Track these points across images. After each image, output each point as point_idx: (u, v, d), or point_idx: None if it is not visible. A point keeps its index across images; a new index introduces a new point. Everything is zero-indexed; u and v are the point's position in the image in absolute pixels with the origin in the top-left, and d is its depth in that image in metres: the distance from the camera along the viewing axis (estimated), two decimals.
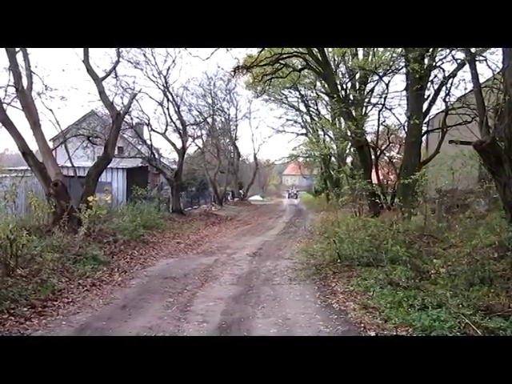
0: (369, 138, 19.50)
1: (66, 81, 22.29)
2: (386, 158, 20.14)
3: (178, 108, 21.47)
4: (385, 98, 17.60)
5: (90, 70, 11.65)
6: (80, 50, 11.74)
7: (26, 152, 11.04)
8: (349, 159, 29.65)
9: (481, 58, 10.27)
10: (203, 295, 7.04)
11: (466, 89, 13.58)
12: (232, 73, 17.92)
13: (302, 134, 34.50)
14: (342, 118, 19.83)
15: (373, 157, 16.83)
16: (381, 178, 20.61)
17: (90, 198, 10.77)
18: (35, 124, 10.95)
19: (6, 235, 6.73)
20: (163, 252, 11.34)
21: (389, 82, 18.16)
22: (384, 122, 17.52)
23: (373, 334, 5.10)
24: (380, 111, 16.86)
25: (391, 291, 6.37)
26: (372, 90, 22.25)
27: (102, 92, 11.95)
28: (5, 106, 11.03)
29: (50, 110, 13.46)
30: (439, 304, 5.50)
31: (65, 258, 8.34)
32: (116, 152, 21.73)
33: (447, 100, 13.84)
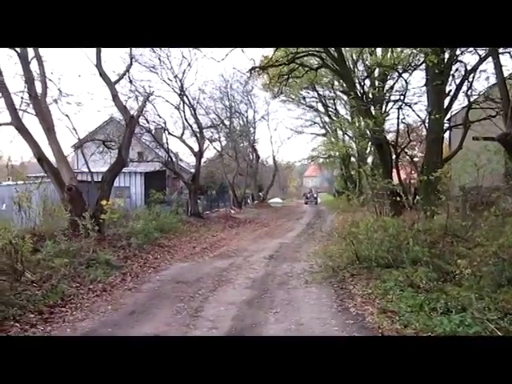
0: (390, 136, 19.08)
1: (82, 86, 22.53)
2: (407, 156, 19.61)
3: (195, 111, 21.41)
4: (404, 95, 17.11)
5: (102, 74, 11.63)
6: (93, 55, 11.75)
7: (41, 158, 11.07)
8: (370, 159, 29.15)
9: (503, 50, 9.81)
10: (215, 300, 6.82)
11: (488, 83, 13.12)
12: (248, 74, 17.80)
13: (320, 135, 34.17)
14: (360, 117, 19.42)
15: (393, 155, 16.39)
16: (403, 177, 20.11)
17: (104, 203, 10.72)
18: (49, 130, 10.96)
19: (9, 240, 6.64)
20: (178, 256, 11.17)
21: (408, 78, 17.64)
22: (404, 119, 17.02)
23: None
24: (399, 108, 16.37)
25: (412, 294, 6.01)
26: (392, 87, 21.79)
27: (115, 96, 11.91)
28: (21, 112, 11.13)
29: (67, 115, 13.52)
30: (463, 307, 5.13)
31: (77, 262, 8.25)
32: (136, 157, 21.99)
33: (469, 94, 13.29)
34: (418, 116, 16.86)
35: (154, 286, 7.68)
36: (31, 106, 11.20)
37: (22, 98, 11.28)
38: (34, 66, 11.22)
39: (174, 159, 21.07)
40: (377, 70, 21.02)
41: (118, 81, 12.42)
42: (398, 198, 14.44)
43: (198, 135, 21.43)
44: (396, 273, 7.21)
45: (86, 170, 15.67)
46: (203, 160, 29.01)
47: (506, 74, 9.40)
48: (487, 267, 6.44)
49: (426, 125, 14.90)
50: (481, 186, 12.18)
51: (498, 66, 8.68)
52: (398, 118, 16.53)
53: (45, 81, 11.60)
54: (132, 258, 9.78)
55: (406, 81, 17.03)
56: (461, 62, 14.03)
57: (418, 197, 11.81)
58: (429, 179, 12.17)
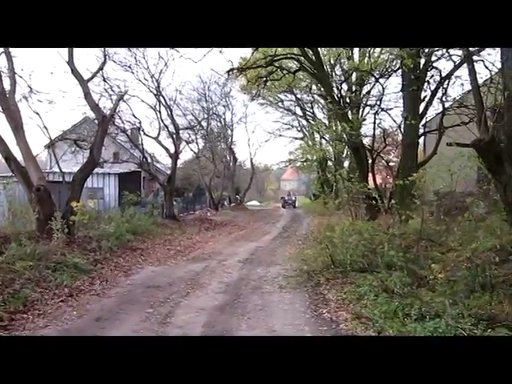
0: (366, 140, 19.16)
1: (54, 84, 21.90)
2: (383, 161, 19.78)
3: (171, 112, 21.10)
4: (380, 100, 17.30)
5: (74, 71, 11.25)
6: (64, 52, 11.35)
7: (8, 157, 10.62)
8: (346, 163, 29.32)
9: (478, 58, 9.94)
10: (187, 305, 6.61)
11: (463, 89, 13.31)
12: (226, 75, 17.64)
13: (298, 138, 34.24)
14: (337, 121, 19.49)
15: (369, 160, 16.48)
16: (380, 181, 20.25)
17: (74, 204, 10.37)
18: (17, 128, 10.52)
19: None
20: (151, 259, 10.89)
21: (384, 83, 17.83)
22: (379, 123, 17.16)
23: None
24: (375, 113, 16.48)
25: (386, 299, 5.93)
26: (368, 92, 21.99)
27: (87, 94, 11.54)
28: None
29: (37, 113, 13.06)
30: (437, 313, 5.08)
31: (43, 266, 7.90)
32: (111, 157, 21.49)
33: (444, 100, 13.47)
34: (394, 121, 17.09)
35: (124, 291, 7.41)
36: None
37: None
38: (2, 61, 10.85)
39: (149, 160, 20.69)
40: (354, 75, 21.19)
41: (90, 79, 12.05)
42: (374, 202, 14.55)
43: (174, 136, 21.11)
44: (370, 277, 7.15)
45: (57, 170, 15.25)
46: (180, 162, 28.70)
47: (480, 81, 9.52)
48: (461, 272, 6.44)
49: (402, 130, 15.04)
50: (454, 190, 12.35)
51: (473, 73, 8.74)
52: (375, 123, 16.65)
53: (14, 77, 11.17)
54: (102, 262, 9.45)
55: (382, 86, 17.22)
56: (436, 68, 14.23)
57: (392, 201, 11.90)
58: (404, 183, 12.26)
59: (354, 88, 22.00)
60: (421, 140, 19.48)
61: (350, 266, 8.06)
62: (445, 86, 13.69)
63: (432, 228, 10.23)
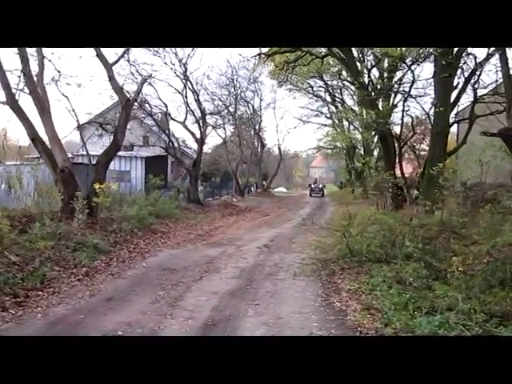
0: (397, 128, 18.66)
1: (83, 67, 22.26)
2: (413, 150, 19.22)
3: (198, 97, 21.12)
4: (410, 87, 16.70)
5: (99, 55, 11.38)
6: None
7: (35, 138, 10.89)
8: (376, 151, 28.72)
9: None
10: (198, 289, 6.65)
11: (498, 77, 12.71)
12: (253, 60, 17.51)
13: (328, 125, 33.74)
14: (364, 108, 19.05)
15: (397, 148, 16.06)
16: (410, 171, 19.73)
17: (97, 186, 10.57)
18: (44, 110, 10.76)
19: None
20: (170, 242, 11.03)
21: (417, 69, 17.27)
22: (408, 111, 16.66)
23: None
24: (404, 100, 16.00)
25: (399, 291, 5.78)
26: (401, 79, 21.32)
27: (111, 77, 11.66)
28: (18, 92, 10.94)
29: (66, 96, 13.34)
30: (449, 307, 4.92)
31: (63, 245, 8.13)
32: (140, 141, 21.77)
33: (476, 87, 12.90)
34: (423, 108, 16.49)
35: (139, 273, 7.53)
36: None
37: (19, 77, 11.12)
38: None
39: (175, 144, 20.85)
40: (386, 61, 20.59)
41: (115, 62, 12.16)
42: (400, 192, 14.22)
43: (200, 121, 21.16)
44: (386, 268, 7.00)
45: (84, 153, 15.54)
46: (208, 147, 28.85)
47: None
48: (480, 266, 6.21)
49: (431, 118, 14.56)
50: (484, 181, 11.90)
51: (504, 60, 8.36)
52: (403, 111, 16.19)
53: (42, 60, 11.40)
54: (122, 243, 9.64)
55: (413, 72, 16.62)
56: (471, 54, 13.61)
57: (416, 191, 11.57)
58: (430, 173, 11.90)
59: (385, 74, 21.43)
60: (454, 129, 18.88)
61: (367, 256, 7.91)
62: (477, 72, 13.10)
63: (457, 220, 9.94)
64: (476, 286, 5.54)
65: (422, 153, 20.09)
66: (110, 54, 21.57)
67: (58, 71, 12.34)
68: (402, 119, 16.36)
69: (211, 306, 5.73)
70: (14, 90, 10.60)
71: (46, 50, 11.50)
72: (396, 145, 15.97)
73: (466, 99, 15.25)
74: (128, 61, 14.72)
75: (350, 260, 8.07)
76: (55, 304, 5.54)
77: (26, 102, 11.13)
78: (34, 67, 11.18)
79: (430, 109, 14.15)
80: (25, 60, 10.41)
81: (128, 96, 12.41)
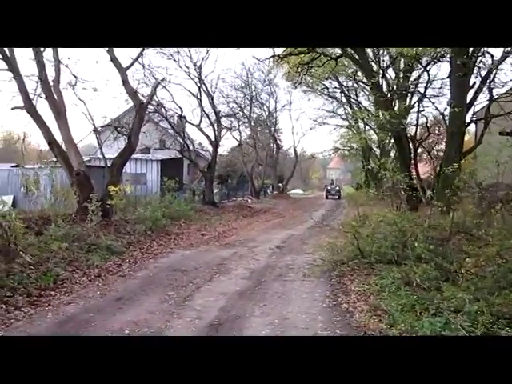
0: (412, 129, 18.46)
1: (99, 72, 22.70)
2: (433, 150, 18.98)
3: (212, 99, 21.27)
4: (426, 87, 16.54)
5: (113, 60, 11.61)
6: None
7: (51, 142, 11.16)
8: (393, 152, 28.43)
9: None
10: (208, 289, 6.71)
11: None
12: (267, 62, 17.53)
13: (343, 126, 33.56)
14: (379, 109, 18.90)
15: (412, 149, 15.90)
16: (426, 171, 19.49)
17: (111, 188, 10.76)
18: (59, 114, 11.02)
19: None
20: (184, 244, 11.14)
21: (434, 69, 17.08)
22: (423, 111, 16.47)
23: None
24: (419, 101, 15.84)
25: (407, 292, 5.75)
26: (417, 80, 21.08)
27: (125, 81, 11.88)
28: (36, 97, 11.21)
29: (82, 101, 13.61)
30: (457, 309, 4.87)
31: (77, 247, 8.30)
32: (156, 143, 22.06)
33: (492, 86, 12.70)
34: (437, 109, 16.28)
35: (150, 273, 7.64)
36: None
37: (36, 82, 11.39)
38: (47, 51, 11.31)
39: (191, 147, 21.03)
40: (402, 61, 20.39)
41: (129, 66, 12.37)
42: (415, 193, 14.06)
43: (215, 124, 21.31)
44: (396, 270, 6.94)
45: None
46: (224, 149, 29.00)
47: None
48: (491, 268, 6.13)
49: (446, 118, 14.37)
50: (501, 182, 11.69)
51: None
52: (418, 112, 16.04)
53: (58, 65, 11.67)
54: (135, 245, 9.78)
55: (428, 72, 16.46)
56: (487, 53, 13.39)
57: (430, 192, 11.40)
58: (445, 174, 11.74)
59: (401, 75, 21.22)
60: (472, 129, 18.57)
61: (377, 257, 7.86)
62: (494, 71, 12.89)
63: (471, 221, 9.78)
64: (486, 287, 5.46)
65: (441, 153, 19.84)
66: (125, 57, 21.91)
67: (75, 76, 12.63)
68: (417, 120, 16.21)
69: (219, 306, 5.78)
70: (31, 96, 10.90)
71: (62, 55, 11.82)
72: (411, 145, 15.84)
73: (484, 99, 15.02)
74: (143, 65, 14.95)
75: (360, 261, 8.03)
76: (66, 303, 5.67)
77: (44, 107, 11.45)
78: (50, 72, 11.49)
79: (445, 109, 13.93)
80: (41, 65, 10.69)
81: (142, 99, 12.59)
